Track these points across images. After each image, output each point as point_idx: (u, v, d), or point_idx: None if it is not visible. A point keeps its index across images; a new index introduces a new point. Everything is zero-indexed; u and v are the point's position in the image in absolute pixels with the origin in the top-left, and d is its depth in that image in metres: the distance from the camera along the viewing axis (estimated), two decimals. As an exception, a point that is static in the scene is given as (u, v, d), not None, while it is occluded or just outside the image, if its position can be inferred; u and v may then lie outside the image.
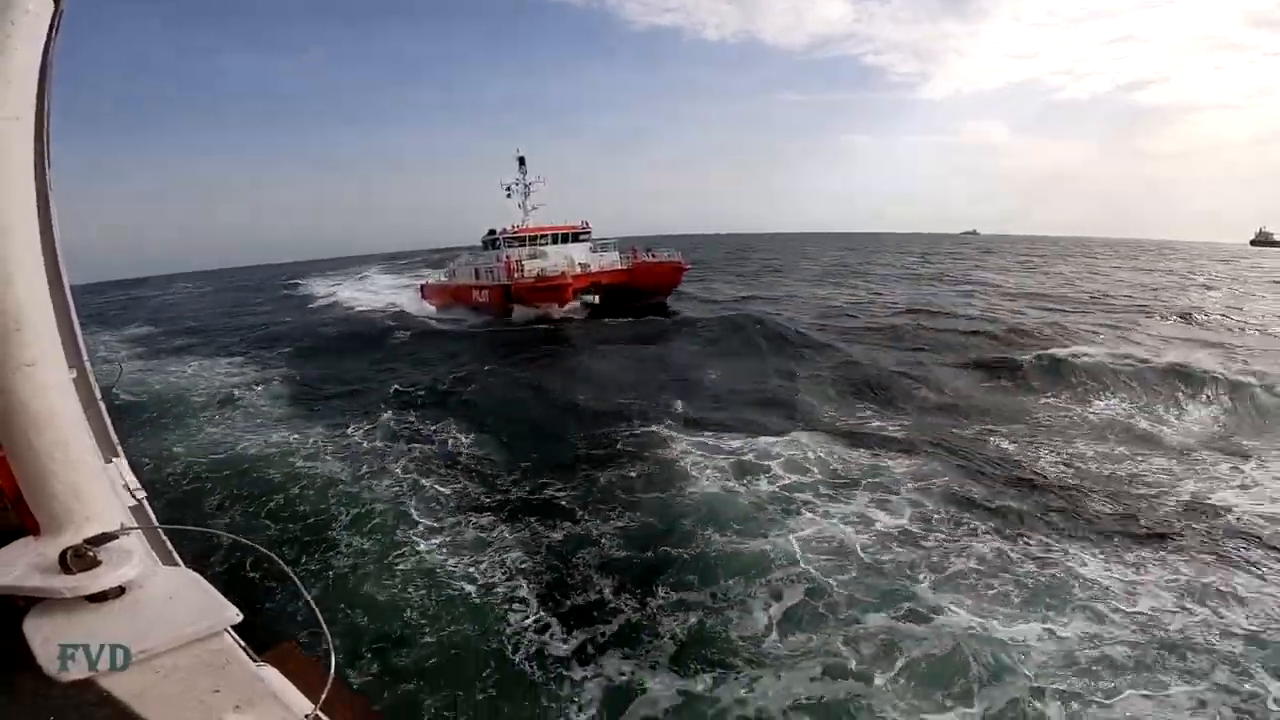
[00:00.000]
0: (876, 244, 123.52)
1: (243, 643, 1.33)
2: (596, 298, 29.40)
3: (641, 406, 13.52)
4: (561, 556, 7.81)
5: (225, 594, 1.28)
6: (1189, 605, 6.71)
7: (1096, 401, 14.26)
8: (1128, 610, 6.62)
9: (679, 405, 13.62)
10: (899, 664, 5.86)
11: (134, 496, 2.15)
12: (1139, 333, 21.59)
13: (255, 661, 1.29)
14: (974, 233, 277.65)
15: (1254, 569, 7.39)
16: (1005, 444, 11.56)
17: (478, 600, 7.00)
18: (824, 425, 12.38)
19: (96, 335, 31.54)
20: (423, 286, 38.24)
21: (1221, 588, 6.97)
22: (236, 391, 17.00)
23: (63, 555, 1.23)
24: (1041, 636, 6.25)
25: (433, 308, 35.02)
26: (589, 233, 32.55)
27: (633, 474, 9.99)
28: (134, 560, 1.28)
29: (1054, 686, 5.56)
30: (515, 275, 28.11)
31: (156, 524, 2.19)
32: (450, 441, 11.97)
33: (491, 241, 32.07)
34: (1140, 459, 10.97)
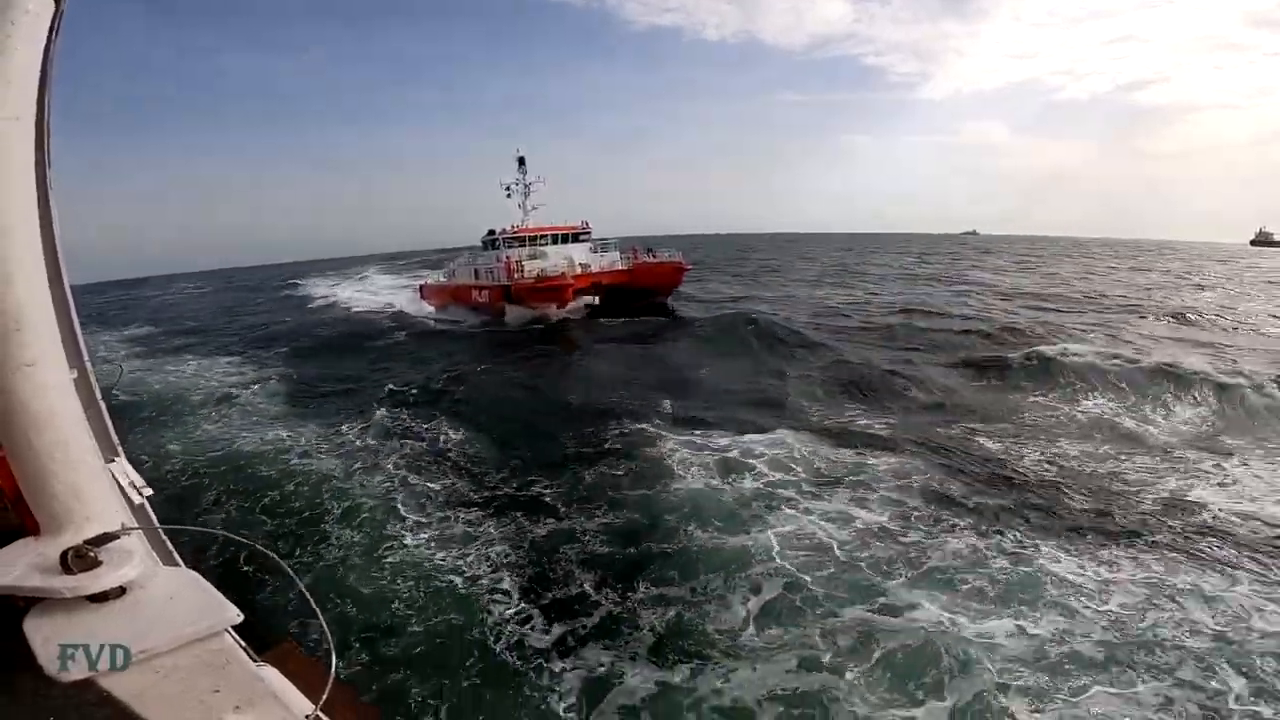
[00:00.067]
0: (876, 244, 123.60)
1: (243, 643, 1.34)
2: (596, 298, 29.40)
3: (632, 405, 13.68)
4: (545, 551, 7.98)
5: (225, 594, 1.28)
6: (1159, 603, 6.79)
7: (1084, 401, 14.40)
8: (1098, 608, 6.70)
9: (669, 404, 13.78)
10: (872, 657, 5.97)
11: (139, 495, 2.18)
12: (1130, 332, 21.69)
13: (255, 662, 1.29)
14: (974, 233, 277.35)
15: (1225, 568, 7.48)
16: (989, 442, 11.70)
17: (463, 591, 7.18)
18: (811, 424, 12.54)
19: (96, 335, 31.75)
20: (421, 287, 38.20)
21: (1191, 586, 7.06)
22: (234, 390, 17.20)
23: (63, 555, 1.23)
24: (1013, 632, 6.35)
25: (431, 308, 35.02)
26: (589, 233, 32.49)
27: (619, 471, 10.16)
28: (135, 560, 1.28)
29: (1023, 682, 5.66)
30: (515, 276, 27.99)
31: (157, 524, 2.22)
32: (442, 439, 12.14)
33: (491, 242, 31.96)
34: (1123, 458, 11.10)
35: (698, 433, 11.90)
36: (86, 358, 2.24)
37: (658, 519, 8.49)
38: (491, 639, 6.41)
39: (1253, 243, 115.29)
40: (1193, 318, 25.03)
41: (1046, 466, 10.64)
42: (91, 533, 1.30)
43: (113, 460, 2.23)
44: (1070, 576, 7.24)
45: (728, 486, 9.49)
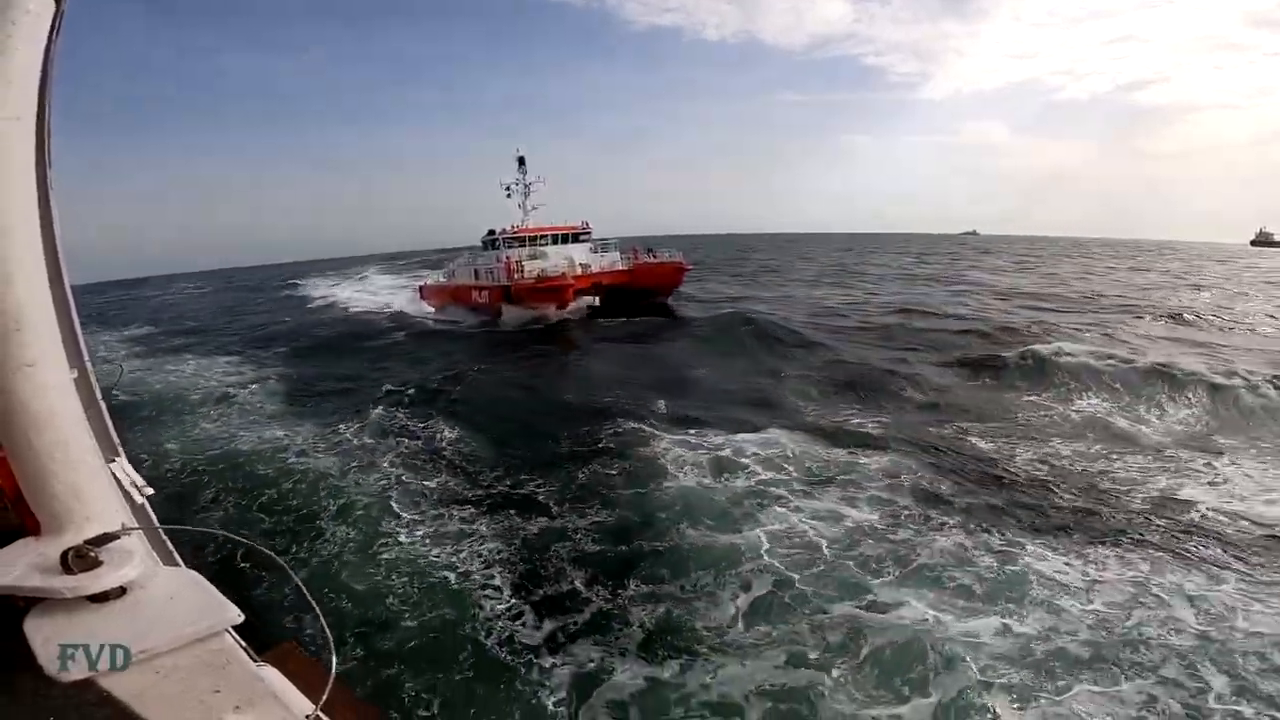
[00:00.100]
0: (875, 244, 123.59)
1: (243, 643, 1.34)
2: (597, 299, 29.36)
3: (627, 405, 13.76)
4: (537, 549, 8.06)
5: (225, 594, 1.29)
6: (1144, 601, 6.84)
7: (1078, 400, 14.46)
8: (1084, 606, 6.74)
9: (665, 403, 13.87)
10: (859, 654, 6.03)
11: (140, 495, 2.19)
12: (1127, 332, 21.73)
13: (256, 662, 1.29)
14: (974, 233, 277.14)
15: (1211, 567, 7.51)
16: (982, 442, 11.77)
17: (456, 587, 7.27)
18: (805, 423, 12.61)
19: (96, 335, 31.85)
20: (421, 287, 38.05)
21: (1177, 585, 7.10)
22: (233, 390, 17.31)
23: (64, 555, 1.23)
24: (999, 630, 6.39)
25: (431, 309, 34.90)
26: (589, 233, 32.39)
27: (613, 470, 10.24)
28: (135, 560, 1.28)
29: (1007, 680, 5.70)
30: (515, 276, 27.84)
31: (157, 524, 2.22)
32: (437, 438, 12.24)
33: (491, 242, 31.81)
34: (1114, 457, 11.17)
35: (692, 432, 11.98)
36: (87, 358, 2.24)
37: (650, 517, 8.57)
38: (483, 634, 6.50)
39: (1253, 243, 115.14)
40: (1190, 318, 25.06)
41: (1038, 466, 10.71)
42: (92, 533, 1.30)
43: (113, 460, 2.23)
44: (1056, 575, 7.30)
45: (720, 485, 9.57)
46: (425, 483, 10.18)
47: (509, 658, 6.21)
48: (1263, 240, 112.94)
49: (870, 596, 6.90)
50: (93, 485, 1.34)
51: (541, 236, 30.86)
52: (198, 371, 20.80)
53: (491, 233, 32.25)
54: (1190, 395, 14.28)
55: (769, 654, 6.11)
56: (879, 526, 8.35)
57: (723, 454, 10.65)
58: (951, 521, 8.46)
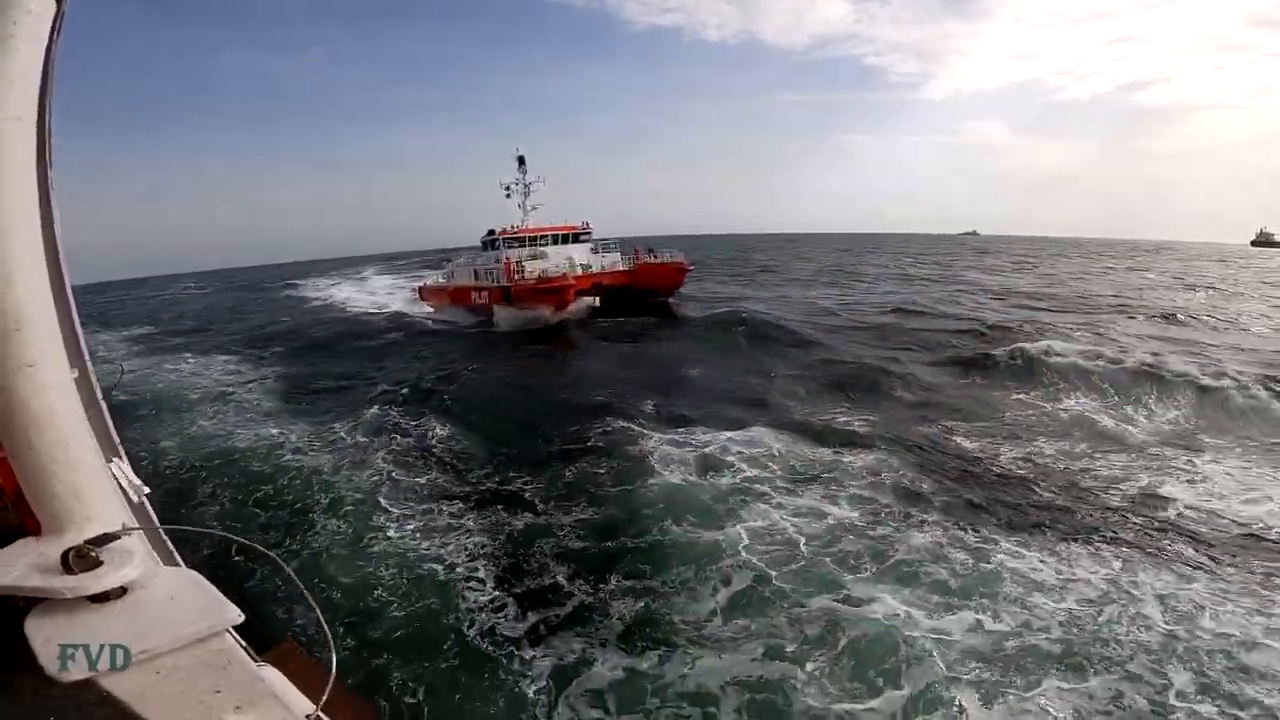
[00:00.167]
0: (875, 244, 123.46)
1: (244, 643, 1.34)
2: (598, 299, 29.10)
3: (619, 404, 13.90)
4: (521, 544, 8.25)
5: (225, 593, 1.29)
6: (1115, 599, 6.93)
7: (1066, 399, 14.58)
8: (1056, 603, 6.84)
9: (655, 402, 14.02)
10: (835, 647, 6.16)
11: (137, 495, 2.17)
12: (1118, 332, 21.82)
13: (256, 662, 1.29)
14: (974, 233, 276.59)
15: (1183, 566, 7.61)
16: (966, 440, 11.91)
17: (443, 579, 7.47)
18: (793, 421, 12.75)
19: (96, 335, 32.04)
20: (420, 288, 37.80)
21: (1147, 583, 7.21)
22: (230, 389, 17.50)
23: (64, 555, 1.23)
24: (971, 626, 6.50)
25: (430, 310, 34.69)
26: (590, 233, 32.20)
27: (600, 469, 10.42)
28: (136, 560, 1.28)
29: (976, 675, 5.83)
30: (515, 277, 27.54)
31: (158, 524, 2.23)
32: (429, 435, 12.41)
33: (491, 242, 31.45)
34: (1098, 455, 11.29)
35: (680, 430, 12.13)
36: (87, 358, 2.24)
37: (634, 514, 8.73)
38: (466, 625, 6.68)
39: (1253, 243, 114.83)
40: (1183, 318, 25.15)
41: (1020, 464, 10.85)
42: (92, 533, 1.30)
43: (113, 460, 2.21)
44: (1030, 572, 7.42)
45: (705, 483, 9.72)
46: (416, 479, 10.36)
47: (491, 649, 6.39)
48: (1263, 240, 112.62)
49: (846, 592, 7.04)
50: (93, 485, 1.35)
51: (541, 237, 30.68)
52: (196, 370, 21.00)
53: (491, 233, 31.89)
54: (1179, 395, 14.38)
55: (746, 647, 6.25)
56: (859, 523, 8.49)
57: (709, 452, 10.81)
58: (930, 519, 8.60)
